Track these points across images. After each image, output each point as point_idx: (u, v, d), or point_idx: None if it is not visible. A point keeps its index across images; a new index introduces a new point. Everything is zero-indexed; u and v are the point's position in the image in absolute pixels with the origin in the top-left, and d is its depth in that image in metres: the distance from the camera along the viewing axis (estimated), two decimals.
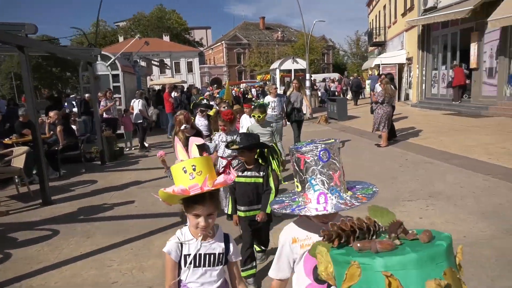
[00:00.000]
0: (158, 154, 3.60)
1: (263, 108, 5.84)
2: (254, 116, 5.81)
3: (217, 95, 13.40)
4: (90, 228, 5.05)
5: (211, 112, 7.40)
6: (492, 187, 5.69)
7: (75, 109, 15.25)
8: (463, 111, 14.40)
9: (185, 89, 20.33)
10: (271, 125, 5.91)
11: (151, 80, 28.86)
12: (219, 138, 4.85)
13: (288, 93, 9.04)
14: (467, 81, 15.88)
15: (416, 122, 12.62)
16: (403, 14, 21.70)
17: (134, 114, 11.02)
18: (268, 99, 8.13)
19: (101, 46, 42.12)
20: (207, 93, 10.27)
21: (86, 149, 9.65)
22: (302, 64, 18.41)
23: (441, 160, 7.29)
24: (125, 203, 6.05)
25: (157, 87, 32.16)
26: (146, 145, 11.32)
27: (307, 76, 17.05)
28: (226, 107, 6.75)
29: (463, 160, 7.21)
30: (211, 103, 10.23)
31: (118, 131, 11.83)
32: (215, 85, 35.97)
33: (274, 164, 3.51)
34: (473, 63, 15.12)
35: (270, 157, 3.49)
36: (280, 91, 18.15)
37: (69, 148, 8.66)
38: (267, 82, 30.51)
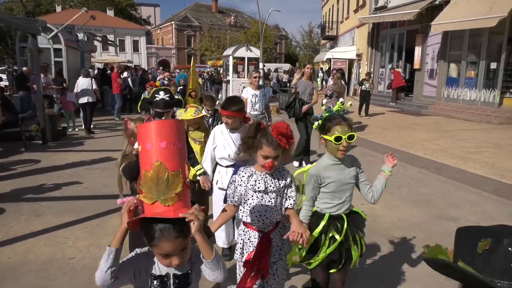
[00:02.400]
0: (118, 202, 2.48)
1: (211, 101, 5.00)
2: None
3: (168, 79, 13.34)
4: (38, 207, 5.07)
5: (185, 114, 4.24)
6: (425, 179, 6.49)
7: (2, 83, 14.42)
8: (406, 109, 15.65)
9: (137, 71, 19.84)
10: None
11: (93, 57, 27.70)
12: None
13: (294, 80, 7.52)
14: (405, 83, 17.22)
15: (364, 118, 13.53)
16: (355, 11, 22.80)
17: (78, 92, 10.70)
18: (248, 92, 6.30)
19: (36, 15, 39.43)
20: (161, 77, 9.97)
21: (26, 126, 9.32)
22: (255, 52, 18.79)
23: (383, 154, 8.05)
24: (73, 183, 6.07)
25: (98, 65, 31.00)
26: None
27: (260, 65, 17.46)
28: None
29: (402, 154, 8.03)
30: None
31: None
32: (161, 68, 35.34)
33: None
34: (416, 64, 16.41)
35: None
36: (231, 78, 18.43)
37: (7, 125, 8.33)
38: (218, 69, 30.58)
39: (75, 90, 10.69)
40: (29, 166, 7.11)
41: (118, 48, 47.48)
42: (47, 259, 3.71)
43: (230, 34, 57.80)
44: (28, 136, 9.10)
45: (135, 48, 55.62)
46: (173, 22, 61.89)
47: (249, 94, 6.29)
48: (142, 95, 9.35)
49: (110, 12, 54.40)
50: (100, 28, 47.86)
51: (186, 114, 3.99)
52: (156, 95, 3.23)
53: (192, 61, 5.75)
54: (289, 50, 68.58)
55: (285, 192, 2.31)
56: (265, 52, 46.12)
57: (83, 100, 10.62)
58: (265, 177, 2.25)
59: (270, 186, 2.25)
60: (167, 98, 3.20)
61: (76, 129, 10.98)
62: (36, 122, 9.57)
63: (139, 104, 3.30)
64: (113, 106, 13.58)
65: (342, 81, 11.38)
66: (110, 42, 33.84)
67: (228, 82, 19.11)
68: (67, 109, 10.84)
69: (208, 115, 5.08)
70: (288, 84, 26.65)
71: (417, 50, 16.27)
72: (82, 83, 10.69)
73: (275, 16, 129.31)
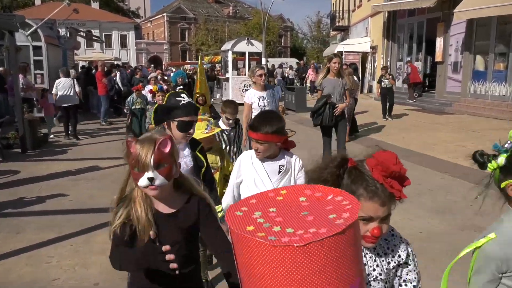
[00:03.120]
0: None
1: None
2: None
3: (163, 79, 13.39)
4: (18, 223, 5.14)
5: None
6: (448, 185, 6.51)
7: None
8: (427, 107, 15.68)
9: (126, 69, 19.97)
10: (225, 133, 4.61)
11: (76, 55, 27.98)
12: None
13: (318, 79, 6.79)
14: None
15: (379, 117, 13.57)
16: None
17: (58, 95, 10.79)
18: (252, 94, 5.74)
19: (13, 9, 39.88)
20: (153, 76, 9.91)
21: (3, 133, 9.43)
22: (257, 46, 18.91)
23: (402, 158, 7.98)
24: (56, 196, 6.15)
25: (82, 63, 31.23)
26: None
27: (263, 61, 17.57)
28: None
29: (423, 157, 8.06)
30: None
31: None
32: (152, 65, 35.57)
33: None
34: (438, 56, 16.45)
35: None
36: (230, 76, 18.52)
37: None
38: (216, 65, 30.71)
39: (53, 91, 10.78)
40: (7, 178, 7.20)
41: (104, 44, 47.88)
42: (29, 281, 3.77)
43: (228, 27, 58.16)
44: (5, 144, 9.20)
45: (123, 44, 56.08)
46: (165, 14, 62.36)
47: (255, 97, 5.65)
48: (130, 98, 9.35)
49: (95, 5, 55.01)
50: (84, 23, 48.32)
51: (196, 134, 3.09)
52: (176, 99, 2.62)
53: (199, 58, 5.64)
54: (295, 43, 68.83)
55: (398, 274, 1.51)
56: (268, 45, 46.32)
57: (65, 103, 10.71)
58: (366, 255, 1.44)
59: (376, 271, 1.44)
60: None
61: (52, 136, 11.01)
62: (14, 128, 9.68)
63: (152, 116, 2.69)
64: (99, 109, 13.70)
65: (355, 77, 11.44)
66: (95, 38, 34.17)
67: (227, 80, 19.22)
68: (48, 113, 10.93)
69: (228, 127, 4.39)
70: (294, 81, 26.77)
71: (439, 41, 16.32)
72: (63, 84, 10.79)
73: (279, 5, 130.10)
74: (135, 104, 9.16)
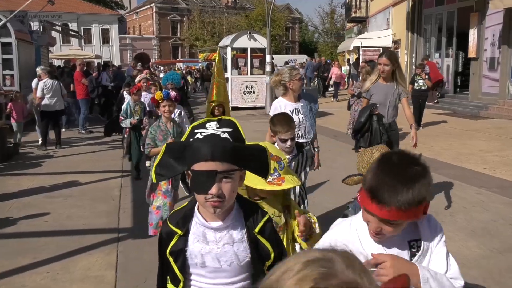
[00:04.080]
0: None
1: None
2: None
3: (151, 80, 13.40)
4: None
5: None
6: (486, 201, 6.53)
7: None
8: (459, 110, 15.72)
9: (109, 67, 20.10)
10: None
11: (51, 52, 28.28)
12: None
13: (366, 84, 5.87)
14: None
15: (403, 122, 13.60)
16: None
17: (45, 100, 10.89)
18: (282, 106, 4.86)
19: None
20: (142, 77, 9.54)
21: None
22: (261, 41, 19.03)
23: (430, 170, 8.11)
24: (30, 217, 6.19)
25: (57, 62, 31.43)
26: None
27: (268, 58, 17.69)
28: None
29: (455, 170, 8.08)
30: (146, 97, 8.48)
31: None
32: (139, 64, 35.80)
33: None
34: (471, 52, 16.52)
35: None
36: (229, 76, 18.62)
37: None
38: (213, 63, 30.81)
39: (39, 94, 10.81)
40: None
41: (83, 40, 48.29)
42: None
43: (227, 19, 58.62)
44: None
45: (105, 39, 56.60)
46: (153, 4, 62.95)
47: (286, 110, 4.62)
48: (125, 106, 8.12)
49: None
50: (60, 15, 48.89)
51: (250, 178, 2.20)
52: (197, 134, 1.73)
53: (217, 55, 4.99)
54: (304, 37, 69.27)
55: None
56: (274, 40, 46.62)
57: (50, 108, 10.81)
58: None
59: None
60: (224, 134, 1.72)
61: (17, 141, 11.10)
62: None
63: (181, 181, 2.10)
64: (78, 115, 13.77)
65: None
66: (72, 33, 34.50)
67: (226, 80, 19.33)
68: (19, 119, 10.98)
69: (288, 156, 3.59)
70: (304, 80, 26.76)
71: (472, 34, 16.40)
72: (50, 86, 10.86)
73: None
74: (133, 114, 8.00)
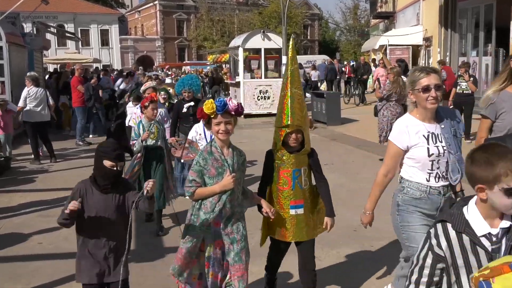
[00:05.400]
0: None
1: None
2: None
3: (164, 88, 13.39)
4: None
5: None
6: None
7: None
8: None
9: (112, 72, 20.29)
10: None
11: (45, 56, 28.64)
12: None
13: (489, 93, 4.33)
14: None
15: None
16: None
17: (27, 109, 10.99)
18: (411, 130, 3.61)
19: None
20: (148, 86, 8.84)
21: None
22: (276, 41, 19.06)
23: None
24: (23, 238, 6.24)
25: (52, 67, 31.74)
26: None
27: (284, 59, 17.70)
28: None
29: None
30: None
31: None
32: (141, 68, 36.08)
33: None
34: None
35: None
36: (241, 79, 18.65)
37: None
38: (224, 66, 30.98)
39: (21, 104, 10.94)
40: None
41: (80, 42, 48.78)
42: None
43: (239, 16, 58.85)
44: None
45: (104, 41, 57.15)
46: (156, 2, 63.50)
47: (418, 136, 3.59)
48: (137, 126, 6.44)
49: None
50: (55, 15, 49.58)
51: None
52: None
53: (290, 48, 3.94)
54: (325, 35, 69.28)
55: None
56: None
57: (35, 119, 10.90)
58: None
59: None
60: None
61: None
62: None
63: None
64: (75, 124, 13.89)
65: (404, 78, 11.45)
66: (69, 35, 34.80)
67: (237, 85, 19.37)
68: (6, 130, 11.05)
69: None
70: (318, 84, 26.76)
71: None
72: (35, 95, 10.96)
73: None
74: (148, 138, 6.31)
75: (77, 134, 13.58)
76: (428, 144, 3.53)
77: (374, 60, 27.59)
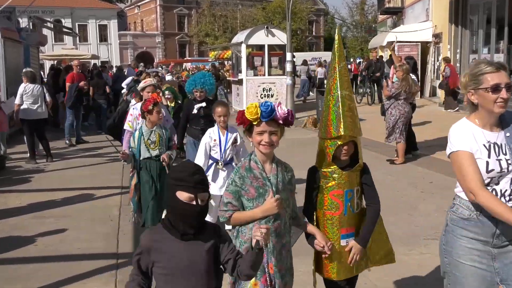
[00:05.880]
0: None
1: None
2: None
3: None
4: None
5: None
6: None
7: None
8: None
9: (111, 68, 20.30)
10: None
11: (42, 52, 28.67)
12: None
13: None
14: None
15: (446, 129, 13.48)
16: None
17: (23, 107, 11.00)
18: (469, 139, 3.06)
19: None
20: (146, 84, 8.39)
21: None
22: (280, 37, 19.03)
23: None
24: (18, 240, 6.24)
25: (49, 63, 31.74)
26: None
27: (288, 56, 17.70)
28: None
29: None
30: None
31: None
32: (142, 64, 36.12)
33: None
34: None
35: None
36: (244, 77, 18.63)
37: None
38: (226, 63, 30.97)
39: (17, 101, 10.93)
40: None
41: (78, 37, 48.83)
42: None
43: (241, 11, 58.85)
44: None
45: (103, 37, 57.19)
46: None
47: (478, 146, 3.01)
48: (137, 133, 5.82)
49: None
50: (52, 10, 49.61)
51: None
52: None
53: (336, 42, 3.48)
54: (330, 31, 69.22)
55: None
56: (295, 36, 46.71)
57: (31, 116, 10.91)
58: None
59: None
60: None
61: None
62: None
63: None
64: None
65: (414, 76, 11.43)
66: (66, 30, 34.83)
67: (239, 82, 19.36)
68: (2, 128, 11.05)
69: None
70: (324, 82, 26.82)
71: None
72: (32, 91, 10.96)
73: None
74: (148, 148, 5.72)
75: (65, 132, 13.43)
76: (489, 157, 2.93)
77: (381, 57, 27.57)
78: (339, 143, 3.26)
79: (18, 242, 6.20)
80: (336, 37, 3.55)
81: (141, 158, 5.69)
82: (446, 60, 17.78)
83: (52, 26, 30.86)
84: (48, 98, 11.42)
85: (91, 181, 9.25)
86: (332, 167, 3.30)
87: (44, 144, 11.21)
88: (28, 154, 11.13)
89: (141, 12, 67.68)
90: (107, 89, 16.35)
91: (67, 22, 50.70)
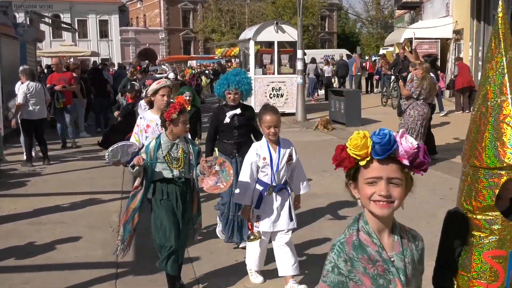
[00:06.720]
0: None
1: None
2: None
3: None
4: None
5: None
6: None
7: None
8: None
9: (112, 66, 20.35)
10: None
11: (39, 49, 28.78)
12: None
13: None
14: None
15: (466, 131, 13.40)
16: None
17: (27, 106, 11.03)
18: None
19: None
20: (162, 83, 8.04)
21: None
22: (290, 33, 18.99)
23: None
24: (12, 248, 6.23)
25: (46, 60, 31.83)
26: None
27: (299, 54, 17.66)
28: None
29: None
30: None
31: None
32: (147, 62, 36.09)
33: None
34: None
35: None
36: (252, 75, 18.64)
37: None
38: (233, 60, 30.96)
39: (21, 100, 10.87)
40: None
41: (77, 33, 48.95)
42: None
43: (250, 6, 58.80)
44: None
45: (103, 33, 57.29)
46: None
47: None
48: (155, 144, 4.57)
49: None
50: (50, 5, 49.83)
51: None
52: None
53: (500, 22, 2.69)
54: (344, 27, 69.08)
55: None
56: (306, 32, 46.64)
57: (33, 116, 10.92)
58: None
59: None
60: None
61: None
62: None
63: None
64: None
65: (433, 76, 11.35)
66: (64, 26, 34.93)
67: None
68: None
69: None
70: (332, 80, 26.95)
71: None
72: (34, 90, 10.95)
73: None
74: (168, 164, 4.59)
75: (58, 132, 13.47)
76: None
77: (397, 54, 27.46)
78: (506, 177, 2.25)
79: (12, 249, 6.19)
80: (500, 10, 2.57)
81: (155, 178, 4.61)
82: (458, 59, 17.78)
83: (50, 22, 30.93)
84: (47, 97, 11.48)
85: (90, 185, 9.26)
86: (491, 214, 2.35)
87: (42, 146, 11.23)
88: (25, 157, 11.13)
89: (144, 6, 67.76)
90: (108, 88, 16.37)
91: (65, 17, 50.80)
